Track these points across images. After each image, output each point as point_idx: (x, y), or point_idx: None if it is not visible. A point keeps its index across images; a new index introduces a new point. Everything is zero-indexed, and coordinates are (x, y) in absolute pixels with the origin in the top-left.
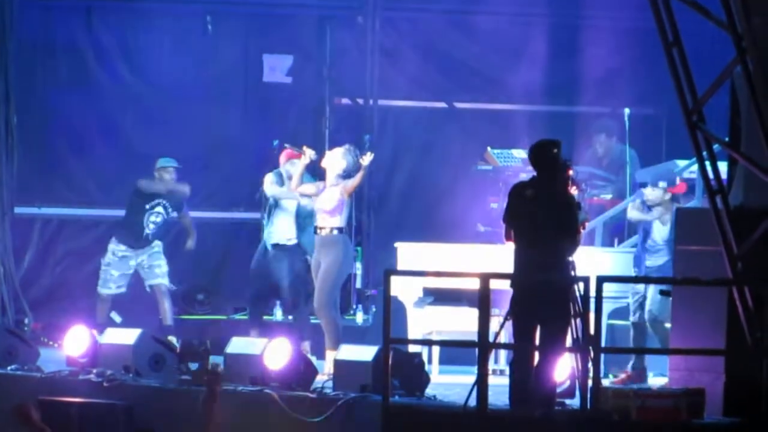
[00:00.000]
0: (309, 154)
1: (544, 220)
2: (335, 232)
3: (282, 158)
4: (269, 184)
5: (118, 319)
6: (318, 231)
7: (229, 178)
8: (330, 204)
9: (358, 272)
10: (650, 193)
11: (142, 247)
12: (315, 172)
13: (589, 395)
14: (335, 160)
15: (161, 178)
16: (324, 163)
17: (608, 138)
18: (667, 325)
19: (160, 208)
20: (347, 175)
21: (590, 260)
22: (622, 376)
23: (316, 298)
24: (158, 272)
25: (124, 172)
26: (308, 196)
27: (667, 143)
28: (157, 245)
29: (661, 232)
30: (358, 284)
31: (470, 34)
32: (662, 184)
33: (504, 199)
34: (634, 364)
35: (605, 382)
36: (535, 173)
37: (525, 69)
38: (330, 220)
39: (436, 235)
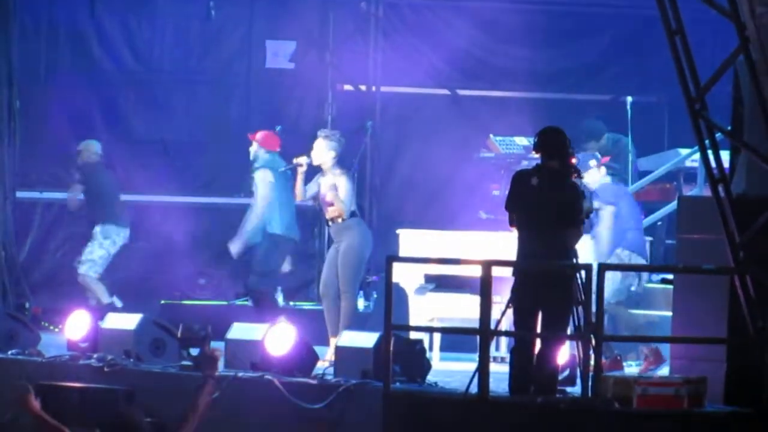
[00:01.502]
0: (303, 161)
1: (548, 208)
2: (346, 217)
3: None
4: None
5: (119, 303)
6: (330, 222)
7: (231, 163)
8: (330, 195)
9: None
10: (588, 177)
11: None
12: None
13: (590, 383)
14: (323, 153)
15: None
16: (315, 162)
17: (597, 142)
18: (636, 311)
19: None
20: (342, 160)
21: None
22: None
23: (341, 284)
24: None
25: (126, 157)
26: (314, 197)
27: (669, 132)
28: (95, 232)
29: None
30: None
31: (473, 20)
32: (592, 162)
33: (506, 186)
34: (606, 353)
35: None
36: (539, 160)
37: (528, 56)
38: (336, 209)
39: (438, 222)
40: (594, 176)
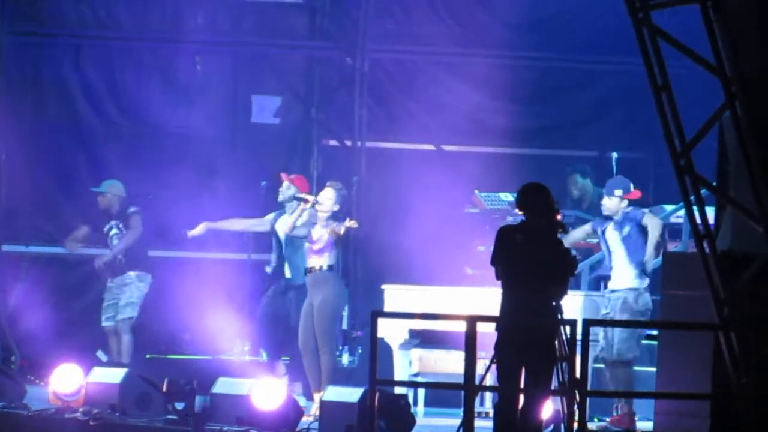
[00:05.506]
0: (311, 199)
1: (532, 265)
2: (325, 269)
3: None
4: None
5: (104, 357)
6: (308, 271)
7: (217, 218)
8: (319, 244)
9: (345, 313)
10: (607, 203)
11: (119, 275)
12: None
13: None
14: (329, 201)
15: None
16: (320, 208)
17: (582, 178)
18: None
19: (114, 230)
20: (337, 214)
21: (575, 304)
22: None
23: (318, 339)
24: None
25: None
26: (301, 237)
27: (654, 187)
28: (130, 277)
29: (614, 246)
30: (345, 325)
31: (458, 76)
32: (618, 191)
33: (491, 242)
34: (622, 408)
35: (591, 427)
36: (523, 217)
37: (513, 112)
38: (319, 259)
39: (423, 277)
40: (612, 204)
